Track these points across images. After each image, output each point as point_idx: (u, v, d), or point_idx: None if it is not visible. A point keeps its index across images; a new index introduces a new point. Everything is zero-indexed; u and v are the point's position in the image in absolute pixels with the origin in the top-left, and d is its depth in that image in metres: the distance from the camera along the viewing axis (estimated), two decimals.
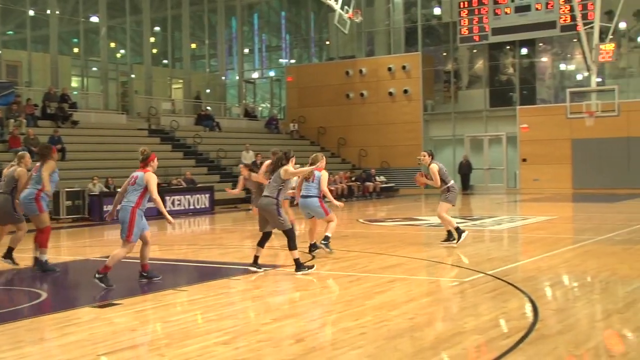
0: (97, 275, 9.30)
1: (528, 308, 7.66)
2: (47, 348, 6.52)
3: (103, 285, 9.23)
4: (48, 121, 27.07)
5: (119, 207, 9.65)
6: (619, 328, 6.85)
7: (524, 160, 33.60)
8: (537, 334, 6.48)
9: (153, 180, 9.55)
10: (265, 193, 10.30)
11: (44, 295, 9.31)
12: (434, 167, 12.68)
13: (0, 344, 6.64)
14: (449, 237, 12.99)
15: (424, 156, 12.88)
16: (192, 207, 24.07)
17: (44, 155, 11.18)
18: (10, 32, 34.15)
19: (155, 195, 9.53)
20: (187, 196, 24.01)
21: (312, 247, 12.15)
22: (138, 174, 9.63)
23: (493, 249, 11.84)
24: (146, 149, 9.86)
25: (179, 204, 23.88)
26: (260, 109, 42.52)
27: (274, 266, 11.01)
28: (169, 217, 9.78)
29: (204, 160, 30.47)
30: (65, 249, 15.64)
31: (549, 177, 32.62)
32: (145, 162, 9.68)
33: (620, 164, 31.30)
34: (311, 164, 11.21)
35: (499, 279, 9.43)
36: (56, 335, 6.96)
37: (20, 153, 11.87)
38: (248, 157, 29.83)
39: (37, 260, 11.08)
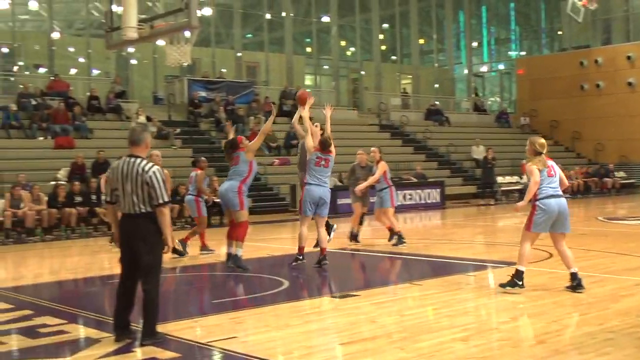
0: None
1: None
2: (291, 334, 6.79)
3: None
4: (284, 118, 28.35)
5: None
6: None
7: None
8: None
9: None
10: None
11: (286, 283, 9.74)
12: None
13: (248, 326, 7.11)
14: None
15: None
16: (422, 201, 24.28)
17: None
18: (249, 35, 36.18)
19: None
20: (417, 191, 24.18)
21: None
22: None
23: None
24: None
25: (410, 199, 24.17)
26: (489, 102, 41.80)
27: (509, 263, 10.76)
28: None
29: (433, 155, 30.45)
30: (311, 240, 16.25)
31: None
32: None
33: None
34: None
35: None
36: (299, 323, 7.26)
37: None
38: (478, 151, 29.43)
39: (229, 255, 11.00)
